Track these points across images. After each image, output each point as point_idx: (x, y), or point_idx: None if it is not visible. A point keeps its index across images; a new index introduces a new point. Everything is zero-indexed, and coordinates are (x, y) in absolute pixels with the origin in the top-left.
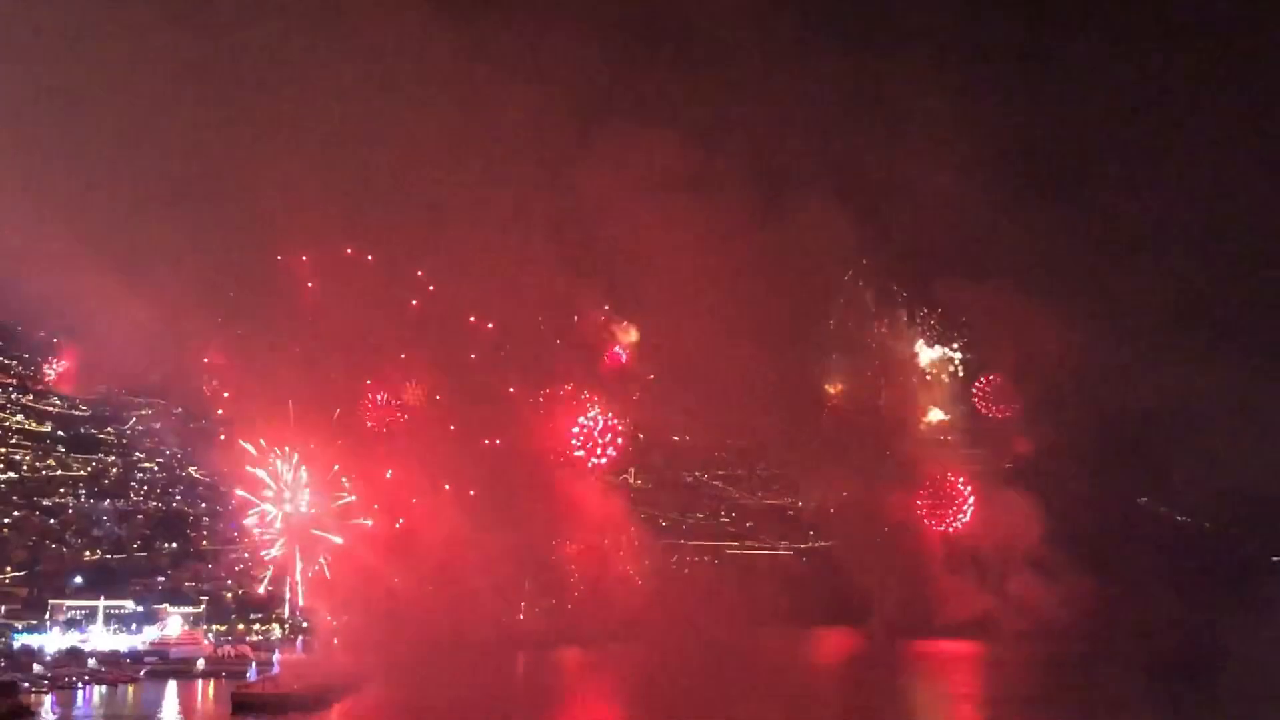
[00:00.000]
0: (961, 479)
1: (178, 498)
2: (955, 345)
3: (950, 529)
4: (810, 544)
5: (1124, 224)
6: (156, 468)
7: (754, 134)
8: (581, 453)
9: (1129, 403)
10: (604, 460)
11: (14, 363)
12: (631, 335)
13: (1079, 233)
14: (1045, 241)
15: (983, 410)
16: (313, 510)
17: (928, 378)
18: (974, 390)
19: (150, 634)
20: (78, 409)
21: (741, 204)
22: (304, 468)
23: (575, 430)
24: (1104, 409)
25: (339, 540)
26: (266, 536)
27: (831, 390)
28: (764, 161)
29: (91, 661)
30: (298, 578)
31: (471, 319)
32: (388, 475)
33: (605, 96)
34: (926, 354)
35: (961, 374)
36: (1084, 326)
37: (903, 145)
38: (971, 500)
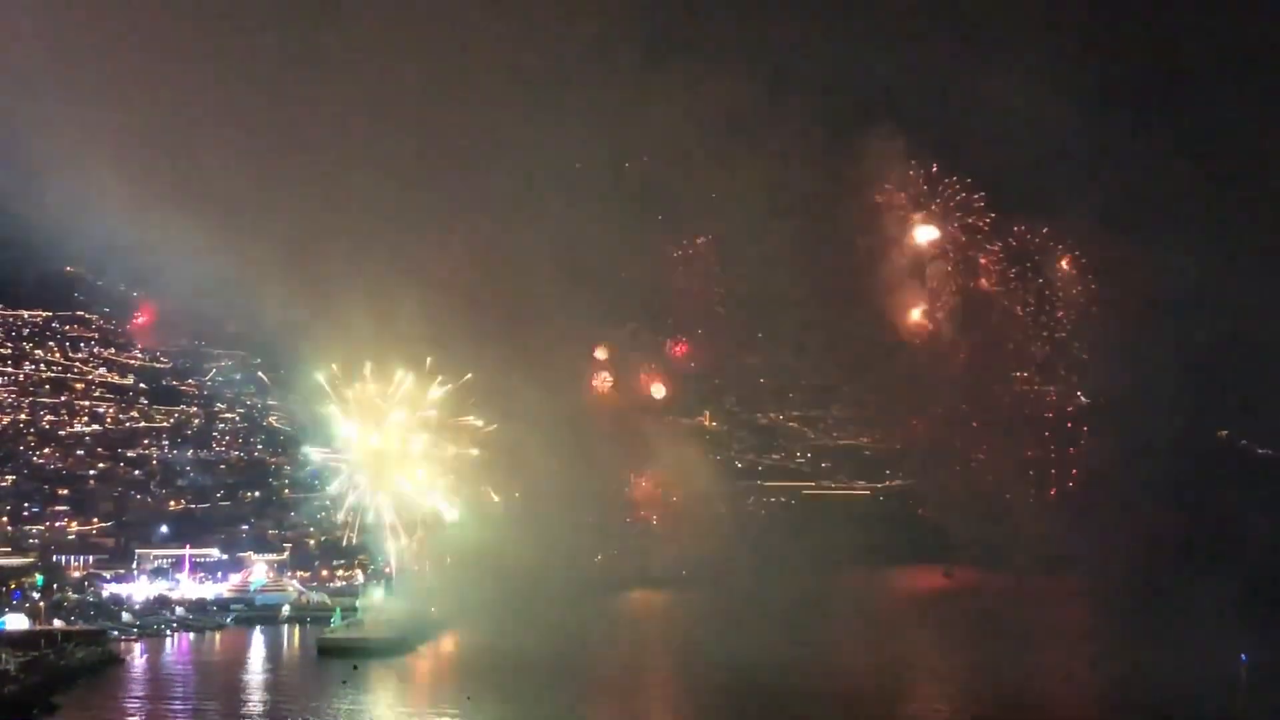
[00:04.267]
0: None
1: (259, 447)
2: (1032, 280)
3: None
4: (887, 483)
5: (1214, 147)
6: (238, 418)
7: (823, 65)
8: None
9: (1210, 335)
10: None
11: (96, 317)
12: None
13: (1165, 157)
14: (1130, 167)
15: (1059, 346)
16: (393, 457)
17: (1004, 313)
18: (1050, 325)
19: (236, 581)
20: (159, 361)
21: (813, 140)
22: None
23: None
24: (1185, 342)
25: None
26: (348, 483)
27: (906, 329)
28: (835, 94)
29: (179, 609)
30: (380, 524)
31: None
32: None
33: (669, 30)
34: (1003, 290)
35: (1038, 309)
36: (1168, 257)
37: (978, 70)
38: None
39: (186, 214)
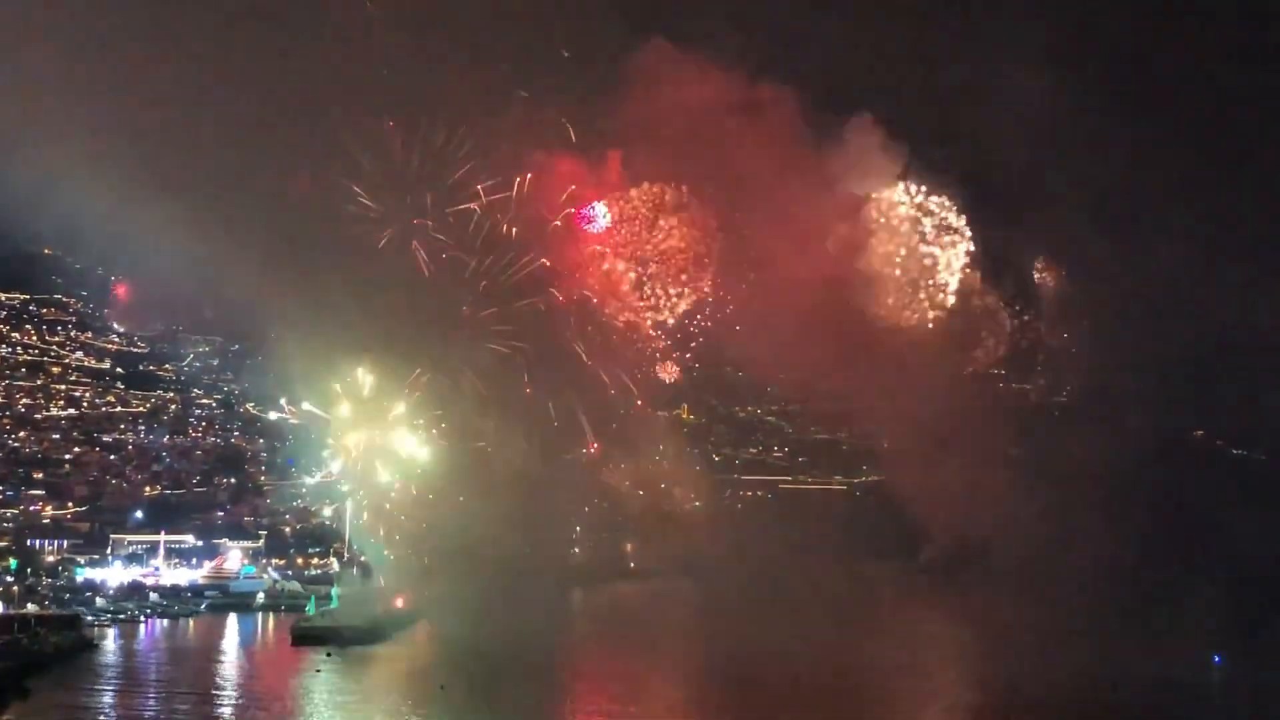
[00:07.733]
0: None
1: (235, 433)
2: (1010, 275)
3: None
4: (864, 478)
5: (1204, 138)
6: (214, 404)
7: (807, 48)
8: None
9: (1190, 335)
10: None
11: (73, 300)
12: None
13: (1147, 147)
14: (1112, 159)
15: (1038, 343)
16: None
17: (982, 309)
18: (1028, 323)
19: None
20: (136, 346)
21: (794, 126)
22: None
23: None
24: (1165, 340)
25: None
26: (327, 471)
27: (882, 324)
28: (817, 80)
29: (153, 595)
30: (358, 511)
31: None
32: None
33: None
34: (980, 285)
35: (1016, 305)
36: (1147, 252)
37: (964, 57)
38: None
39: (164, 196)
